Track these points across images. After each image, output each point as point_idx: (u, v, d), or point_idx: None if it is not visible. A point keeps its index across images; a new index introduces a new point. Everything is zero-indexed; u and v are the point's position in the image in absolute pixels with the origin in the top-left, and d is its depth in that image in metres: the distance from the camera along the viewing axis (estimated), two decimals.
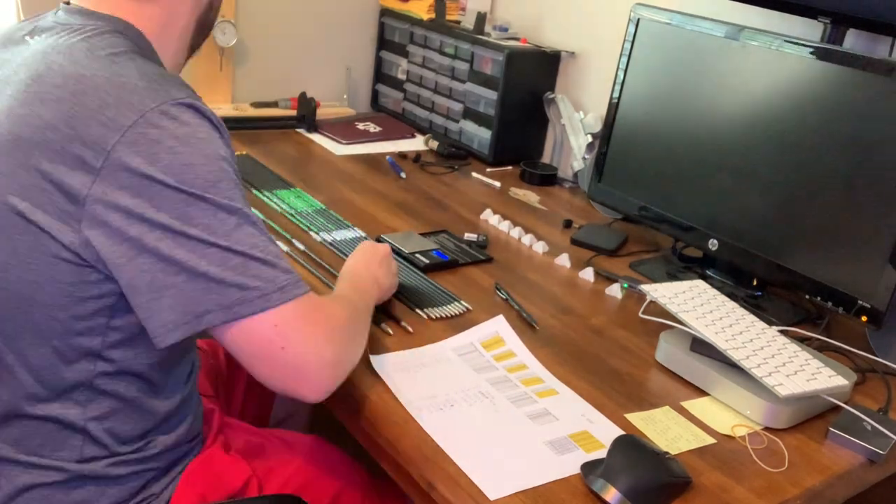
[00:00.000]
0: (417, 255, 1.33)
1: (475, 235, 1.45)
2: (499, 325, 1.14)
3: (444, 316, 1.16)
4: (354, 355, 0.90)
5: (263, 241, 0.80)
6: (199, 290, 0.77)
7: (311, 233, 1.38)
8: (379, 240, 1.37)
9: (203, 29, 0.98)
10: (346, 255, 1.24)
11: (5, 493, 0.87)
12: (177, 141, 0.76)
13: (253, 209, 0.83)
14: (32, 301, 0.80)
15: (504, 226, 1.52)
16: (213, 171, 0.77)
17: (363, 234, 1.40)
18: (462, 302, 1.20)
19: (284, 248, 1.30)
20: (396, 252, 1.33)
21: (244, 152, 1.75)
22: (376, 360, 1.02)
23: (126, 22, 0.87)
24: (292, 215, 1.44)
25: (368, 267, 1.08)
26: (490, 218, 1.55)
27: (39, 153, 0.77)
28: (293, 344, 0.80)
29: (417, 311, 1.15)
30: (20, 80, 0.81)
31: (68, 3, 0.89)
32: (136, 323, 0.82)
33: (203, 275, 0.77)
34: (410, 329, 1.11)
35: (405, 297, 1.18)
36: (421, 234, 1.42)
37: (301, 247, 1.32)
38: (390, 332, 1.09)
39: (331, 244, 1.34)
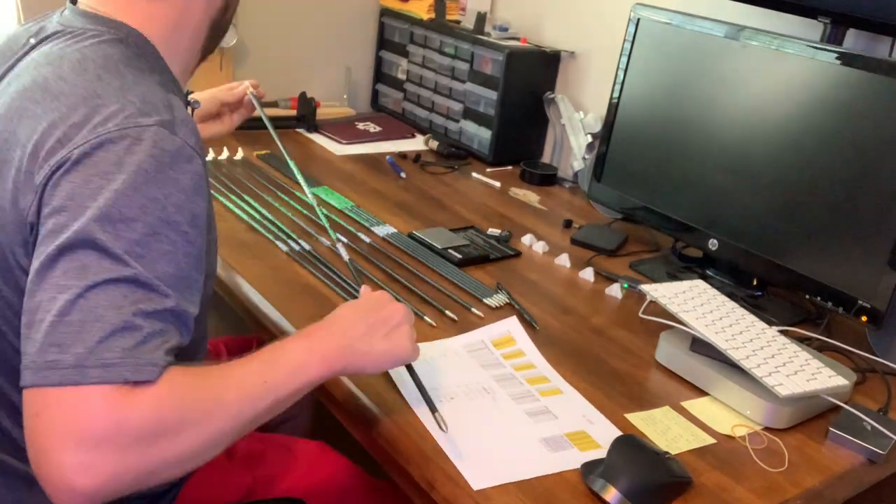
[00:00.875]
0: (450, 251, 1.36)
1: (498, 231, 1.48)
2: (511, 325, 1.14)
3: (496, 305, 1.21)
4: (139, 472, 0.66)
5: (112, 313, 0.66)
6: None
7: (374, 228, 1.44)
8: (411, 236, 1.40)
9: (216, 32, 0.94)
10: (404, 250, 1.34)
11: None
12: (115, 167, 0.69)
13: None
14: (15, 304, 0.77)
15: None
16: (130, 208, 0.68)
17: (395, 230, 1.44)
18: (503, 293, 1.24)
19: (349, 243, 1.36)
20: (429, 247, 1.37)
21: (267, 151, 1.76)
22: None
23: (130, 27, 0.83)
24: (345, 211, 1.50)
25: (352, 325, 0.85)
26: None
27: (7, 170, 0.75)
28: (44, 433, 0.64)
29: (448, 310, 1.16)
30: (9, 93, 0.80)
31: (75, 3, 0.87)
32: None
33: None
34: (455, 317, 1.15)
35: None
36: (450, 230, 1.45)
37: (367, 240, 1.38)
38: (434, 323, 1.12)
39: (385, 238, 1.40)
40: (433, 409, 0.88)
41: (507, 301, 1.23)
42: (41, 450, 0.63)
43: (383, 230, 1.43)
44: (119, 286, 0.66)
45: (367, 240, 1.38)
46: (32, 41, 0.85)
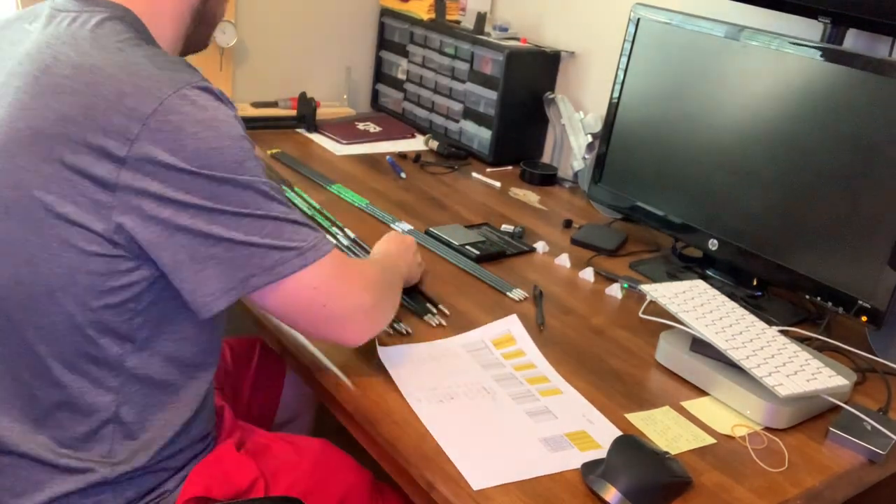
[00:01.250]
0: (468, 248, 1.38)
1: (512, 227, 1.50)
2: (511, 324, 1.14)
3: (518, 298, 1.24)
4: (390, 307, 0.99)
5: (287, 207, 0.84)
6: (241, 256, 0.81)
7: (393, 225, 1.46)
8: (427, 232, 1.44)
9: (201, 20, 0.96)
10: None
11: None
12: (199, 125, 0.77)
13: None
14: (64, 292, 0.81)
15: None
16: (236, 152, 0.79)
17: (410, 227, 1.45)
18: (519, 289, 1.27)
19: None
20: (447, 244, 1.39)
21: (279, 150, 1.78)
22: (383, 352, 1.02)
23: (123, 7, 0.86)
24: (363, 209, 1.52)
25: (393, 251, 1.14)
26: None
27: (61, 146, 0.77)
28: (334, 298, 0.88)
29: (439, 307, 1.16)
30: (27, 73, 0.81)
31: None
32: (165, 309, 0.85)
33: (242, 243, 0.80)
34: (447, 313, 1.17)
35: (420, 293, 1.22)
36: (465, 227, 1.47)
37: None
38: (433, 324, 1.14)
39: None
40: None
41: (526, 295, 1.25)
42: (341, 312, 0.89)
43: (400, 227, 1.45)
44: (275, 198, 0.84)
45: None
46: (28, 27, 0.87)
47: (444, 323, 1.13)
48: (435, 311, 1.16)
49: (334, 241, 1.22)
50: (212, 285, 0.81)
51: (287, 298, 0.85)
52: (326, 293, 0.87)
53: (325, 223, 1.41)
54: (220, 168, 0.78)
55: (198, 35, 0.98)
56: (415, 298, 1.19)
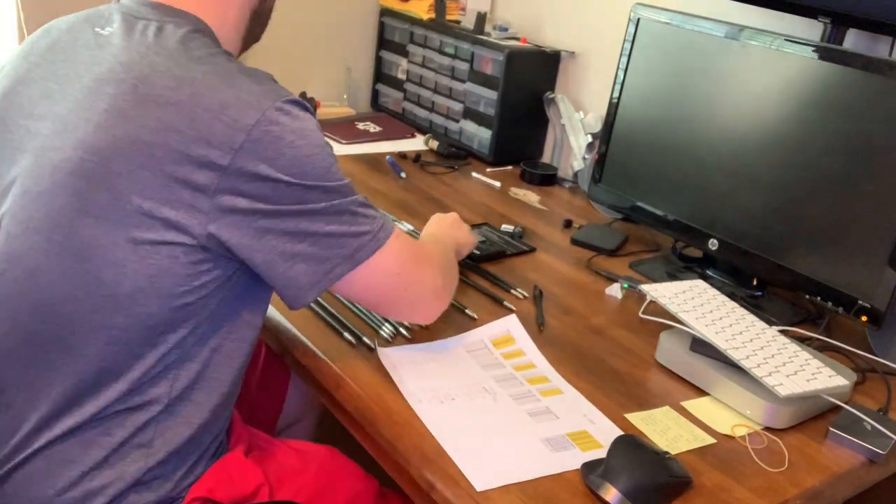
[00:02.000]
0: None
1: (512, 227, 1.50)
2: (510, 324, 1.14)
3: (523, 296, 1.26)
4: (454, 285, 1.07)
5: (356, 194, 0.89)
6: (325, 248, 0.86)
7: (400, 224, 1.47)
8: None
9: (257, 20, 0.99)
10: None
11: None
12: (294, 135, 0.82)
13: None
14: (147, 293, 0.82)
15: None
16: (325, 159, 0.84)
17: (412, 227, 1.45)
18: (519, 289, 1.27)
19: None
20: None
21: None
22: (383, 353, 1.02)
23: (196, 17, 0.89)
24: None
25: (444, 229, 1.21)
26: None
27: (162, 154, 0.79)
28: (412, 283, 0.95)
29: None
30: (123, 80, 0.82)
31: None
32: (227, 309, 0.88)
33: (325, 235, 0.85)
34: (475, 316, 1.18)
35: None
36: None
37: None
38: (475, 316, 1.16)
39: (408, 233, 1.42)
40: None
41: (526, 295, 1.26)
42: (419, 296, 0.97)
43: (403, 227, 1.45)
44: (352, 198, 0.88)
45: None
46: (102, 31, 0.89)
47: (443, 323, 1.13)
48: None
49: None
50: (302, 280, 0.86)
51: (369, 282, 0.90)
52: (406, 279, 0.94)
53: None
54: (311, 175, 0.83)
55: (252, 35, 1.01)
56: None
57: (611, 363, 1.10)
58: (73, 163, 0.81)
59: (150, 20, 0.87)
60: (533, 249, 1.44)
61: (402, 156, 1.90)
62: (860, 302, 1.16)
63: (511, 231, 1.49)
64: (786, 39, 1.24)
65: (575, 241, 1.51)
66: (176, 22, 0.87)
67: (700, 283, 1.22)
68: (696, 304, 1.15)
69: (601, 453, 0.88)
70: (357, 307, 1.15)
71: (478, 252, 1.36)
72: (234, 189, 0.80)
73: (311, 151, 0.83)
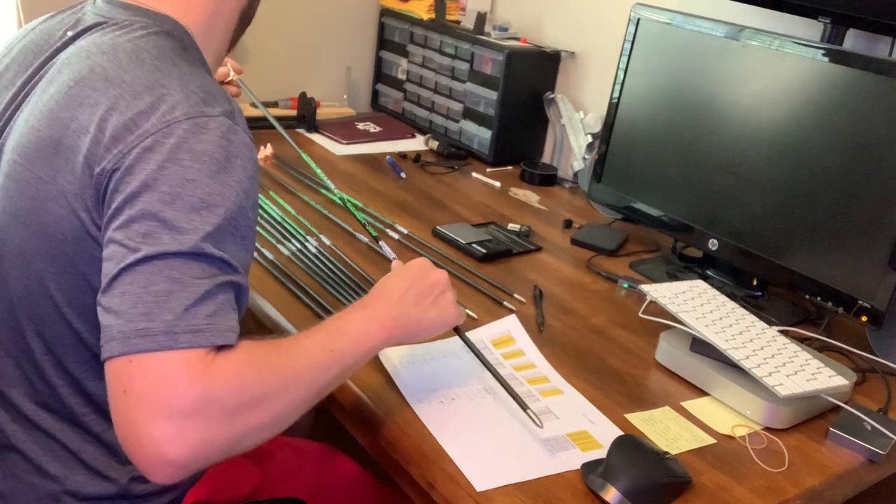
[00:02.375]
0: (474, 246, 1.38)
1: (518, 226, 1.50)
2: (510, 324, 1.14)
3: (519, 298, 1.25)
4: (226, 441, 0.69)
5: (217, 269, 0.72)
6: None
7: (397, 225, 1.46)
8: (434, 232, 1.43)
9: (244, 22, 0.96)
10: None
11: None
12: (189, 155, 0.72)
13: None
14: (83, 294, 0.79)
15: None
16: (211, 195, 0.72)
17: (406, 231, 1.45)
18: (519, 290, 1.28)
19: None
20: (453, 243, 1.39)
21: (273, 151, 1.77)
22: (383, 353, 1.02)
23: (173, 20, 0.85)
24: (366, 208, 1.52)
25: (404, 295, 0.89)
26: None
27: (74, 156, 0.76)
28: (132, 395, 0.67)
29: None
30: (62, 81, 0.81)
31: None
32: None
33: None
34: (475, 316, 1.17)
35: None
36: (472, 226, 1.48)
37: (395, 236, 1.42)
38: (475, 316, 1.16)
39: (409, 234, 1.44)
40: (524, 406, 0.91)
41: (524, 301, 1.25)
42: (132, 423, 0.65)
43: (401, 230, 1.45)
44: (199, 261, 0.70)
45: (395, 236, 1.41)
46: (70, 33, 0.86)
47: None
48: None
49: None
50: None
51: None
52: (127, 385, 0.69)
53: (298, 230, 1.39)
54: (182, 199, 0.71)
55: (238, 35, 0.97)
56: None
57: (611, 363, 1.10)
58: (10, 166, 0.80)
59: (119, 21, 0.84)
60: (539, 248, 1.45)
61: (402, 156, 1.90)
62: (860, 302, 1.16)
63: (518, 230, 1.49)
64: (786, 39, 1.24)
65: (575, 241, 1.51)
66: (144, 23, 0.83)
67: (700, 283, 1.22)
68: (696, 304, 1.15)
69: (601, 453, 0.88)
70: None
71: (485, 251, 1.36)
72: (116, 189, 0.73)
73: (197, 177, 0.72)
